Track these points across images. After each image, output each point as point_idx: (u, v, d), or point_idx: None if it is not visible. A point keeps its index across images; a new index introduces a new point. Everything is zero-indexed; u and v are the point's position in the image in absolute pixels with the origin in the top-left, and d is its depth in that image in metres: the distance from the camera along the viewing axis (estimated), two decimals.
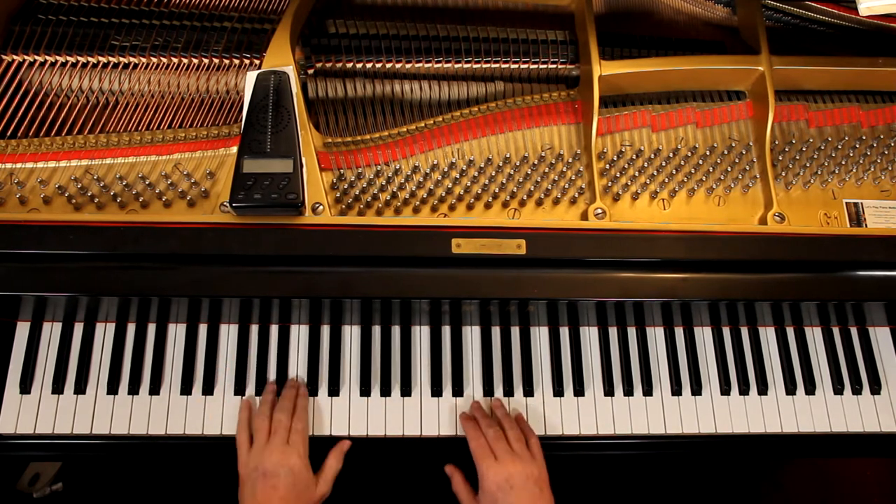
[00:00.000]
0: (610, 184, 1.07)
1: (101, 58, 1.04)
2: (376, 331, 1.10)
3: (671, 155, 1.09)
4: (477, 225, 0.99)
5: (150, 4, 1.10)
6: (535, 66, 1.11)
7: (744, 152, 1.10)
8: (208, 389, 1.05)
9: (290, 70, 1.01)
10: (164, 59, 1.05)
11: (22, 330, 1.06)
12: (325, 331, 1.09)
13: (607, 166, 1.08)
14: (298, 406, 1.01)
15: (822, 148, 1.12)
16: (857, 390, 1.11)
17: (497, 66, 1.11)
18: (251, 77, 1.01)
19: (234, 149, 1.00)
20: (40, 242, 0.92)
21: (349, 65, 1.09)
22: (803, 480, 1.72)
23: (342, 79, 1.09)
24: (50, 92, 1.05)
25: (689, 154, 1.10)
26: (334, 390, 1.06)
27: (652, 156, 1.09)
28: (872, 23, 1.17)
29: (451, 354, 1.09)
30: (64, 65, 1.05)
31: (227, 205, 0.96)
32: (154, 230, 0.94)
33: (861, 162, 1.12)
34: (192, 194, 1.00)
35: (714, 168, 1.09)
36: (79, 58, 1.04)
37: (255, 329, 1.09)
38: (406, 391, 1.06)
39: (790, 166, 1.10)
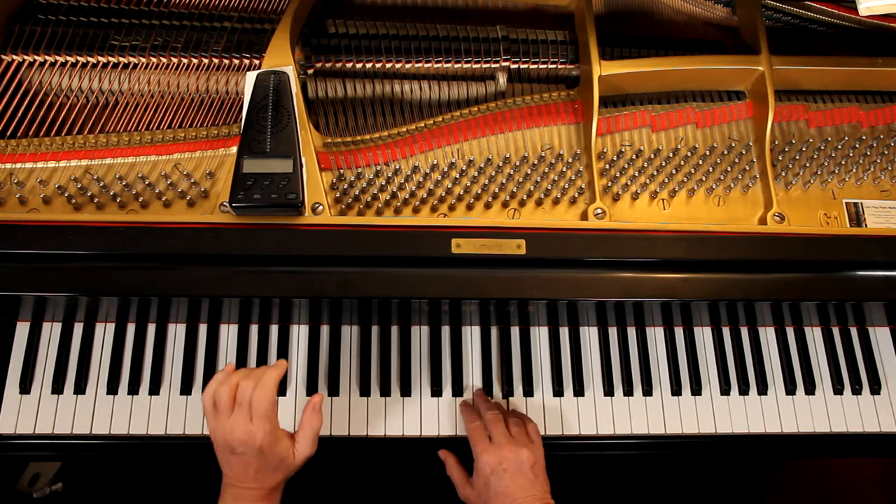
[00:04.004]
0: (610, 184, 1.07)
1: (101, 58, 1.04)
2: (376, 331, 1.10)
3: (671, 155, 1.09)
4: (477, 225, 0.99)
5: (150, 4, 1.10)
6: (535, 66, 1.12)
7: (744, 152, 1.10)
8: None
9: (290, 70, 1.01)
10: (164, 59, 1.05)
11: (22, 330, 1.06)
12: (325, 331, 1.09)
13: (607, 166, 1.08)
14: (268, 374, 0.86)
15: (822, 148, 1.12)
16: (856, 390, 1.11)
17: (497, 66, 1.11)
18: (251, 77, 1.01)
19: (234, 149, 1.00)
20: (40, 242, 0.92)
21: (349, 65, 1.09)
22: (803, 480, 1.72)
23: (342, 79, 1.10)
24: (50, 92, 1.05)
25: (689, 154, 1.10)
26: (334, 390, 1.06)
27: (652, 156, 1.09)
28: (872, 23, 1.17)
29: (450, 354, 1.09)
30: (64, 65, 1.05)
31: (227, 205, 0.96)
32: (154, 230, 0.94)
33: (861, 162, 1.11)
34: (192, 194, 1.00)
35: (714, 168, 1.09)
36: (79, 58, 1.04)
37: (254, 329, 1.09)
38: (406, 391, 1.06)
39: (790, 166, 1.10)
